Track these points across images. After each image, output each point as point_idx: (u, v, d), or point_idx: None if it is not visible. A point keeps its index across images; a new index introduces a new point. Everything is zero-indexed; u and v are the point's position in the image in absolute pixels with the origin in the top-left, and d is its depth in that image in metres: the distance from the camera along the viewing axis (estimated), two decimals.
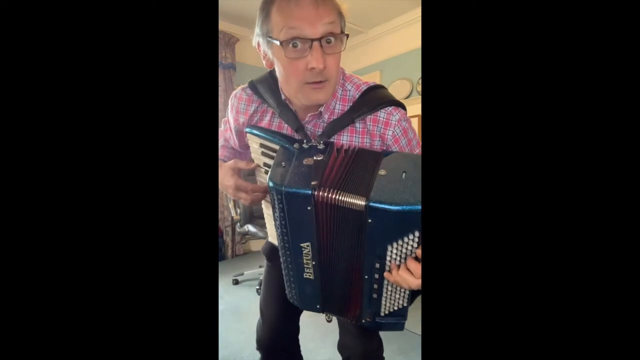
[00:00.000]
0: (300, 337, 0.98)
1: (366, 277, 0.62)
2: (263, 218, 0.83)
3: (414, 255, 0.57)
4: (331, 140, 0.68)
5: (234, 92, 0.79)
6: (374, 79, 2.98)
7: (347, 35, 0.62)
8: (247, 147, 0.75)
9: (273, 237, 0.72)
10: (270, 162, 0.68)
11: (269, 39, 0.61)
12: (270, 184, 0.59)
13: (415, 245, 0.56)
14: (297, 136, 0.70)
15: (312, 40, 0.58)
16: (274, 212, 0.63)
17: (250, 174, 0.78)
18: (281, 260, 0.69)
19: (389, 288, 0.63)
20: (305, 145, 0.65)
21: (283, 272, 0.71)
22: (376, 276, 0.61)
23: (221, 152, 0.89)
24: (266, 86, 0.73)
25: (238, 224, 2.23)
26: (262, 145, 0.70)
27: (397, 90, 2.97)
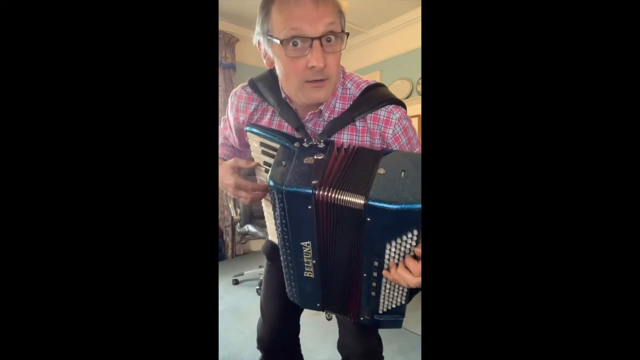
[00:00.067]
0: (300, 336, 0.98)
1: (365, 275, 0.62)
2: (263, 218, 0.83)
3: (412, 253, 0.57)
4: (331, 139, 0.68)
5: (234, 90, 0.79)
6: (374, 79, 2.97)
7: (348, 34, 0.62)
8: (247, 145, 0.75)
9: (273, 236, 0.72)
10: (271, 160, 0.68)
11: (270, 38, 0.61)
12: (271, 183, 0.59)
13: (414, 243, 0.56)
14: (297, 135, 0.70)
15: (313, 39, 0.58)
16: (274, 211, 0.63)
17: (250, 173, 0.78)
18: (281, 258, 0.69)
19: (387, 286, 0.63)
20: (305, 144, 0.65)
21: (283, 271, 0.71)
22: (375, 274, 0.61)
23: (221, 151, 0.89)
24: (266, 85, 0.73)
25: (238, 224, 2.23)
26: (262, 144, 0.70)
27: (397, 90, 2.97)
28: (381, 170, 0.59)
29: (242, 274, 2.50)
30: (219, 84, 2.95)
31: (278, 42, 0.59)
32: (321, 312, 0.74)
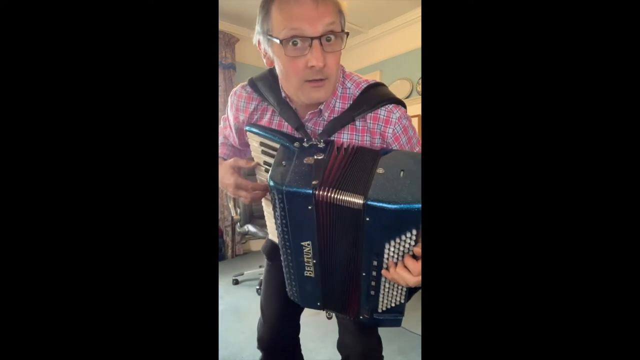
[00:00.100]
0: (300, 336, 0.98)
1: (364, 274, 0.62)
2: (263, 218, 0.83)
3: (411, 253, 0.57)
4: (331, 138, 0.68)
5: (234, 90, 0.79)
6: (373, 79, 2.97)
7: (347, 34, 0.62)
8: (247, 144, 0.75)
9: (273, 235, 0.72)
10: (271, 160, 0.68)
11: (269, 37, 0.61)
12: (271, 183, 0.59)
13: (413, 243, 0.56)
14: (297, 134, 0.70)
15: (312, 38, 0.58)
16: (274, 211, 0.63)
17: (250, 173, 0.78)
18: (282, 258, 0.69)
19: (387, 285, 0.63)
20: (305, 144, 0.65)
21: (284, 270, 0.71)
22: (374, 273, 0.62)
23: (221, 150, 0.89)
24: (266, 84, 0.73)
25: (238, 223, 2.23)
26: (262, 144, 0.70)
27: (397, 90, 2.97)
28: (380, 170, 0.59)
29: (242, 274, 2.50)
30: (219, 84, 2.95)
31: (278, 41, 0.59)
32: (321, 311, 0.74)
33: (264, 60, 0.67)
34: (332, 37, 0.59)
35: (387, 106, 0.68)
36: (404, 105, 0.71)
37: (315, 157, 0.62)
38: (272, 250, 0.88)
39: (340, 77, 0.70)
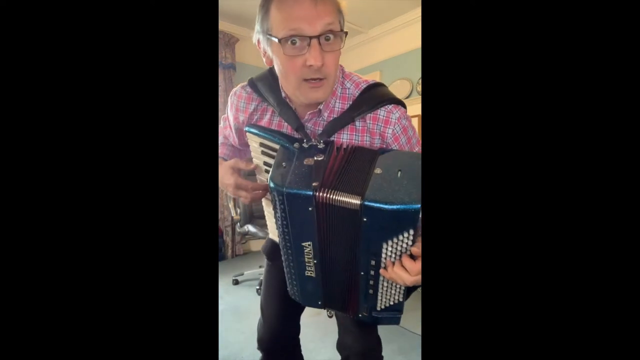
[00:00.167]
0: (300, 337, 0.98)
1: (362, 273, 0.63)
2: (263, 218, 0.83)
3: (408, 252, 0.57)
4: (331, 139, 0.68)
5: (234, 90, 0.79)
6: (373, 79, 2.97)
7: (346, 33, 0.62)
8: (247, 144, 0.75)
9: (274, 234, 0.72)
10: (270, 160, 0.68)
11: (269, 36, 0.61)
12: (272, 185, 0.59)
13: (410, 243, 0.56)
14: (297, 135, 0.70)
15: (311, 37, 0.58)
16: (275, 212, 0.63)
17: (250, 173, 0.78)
18: (283, 258, 0.69)
19: (385, 284, 0.63)
20: (305, 145, 0.65)
21: (285, 270, 0.71)
22: (372, 273, 0.62)
23: (221, 150, 0.89)
24: (266, 84, 0.73)
25: (238, 224, 2.23)
26: (262, 145, 0.70)
27: (397, 90, 2.97)
28: (378, 170, 0.59)
29: (242, 274, 2.50)
30: (219, 84, 2.95)
31: (276, 40, 0.59)
32: (321, 312, 0.74)
33: (264, 60, 0.67)
34: (331, 36, 0.59)
35: (386, 106, 0.68)
36: (404, 106, 0.71)
37: (315, 158, 0.62)
38: (272, 251, 0.88)
39: (340, 77, 0.70)
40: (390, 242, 0.57)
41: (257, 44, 0.66)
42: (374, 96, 0.69)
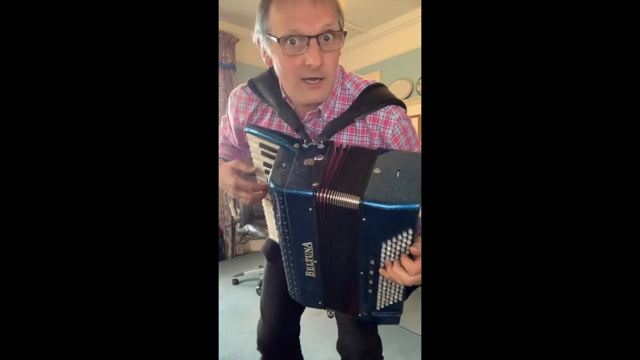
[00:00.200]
0: (300, 337, 0.98)
1: (361, 273, 0.63)
2: (263, 218, 0.83)
3: (407, 252, 0.57)
4: (331, 139, 0.68)
5: (234, 91, 0.79)
6: (373, 79, 2.97)
7: (345, 33, 0.62)
8: (247, 145, 0.75)
9: (274, 234, 0.72)
10: (270, 161, 0.68)
11: (268, 36, 0.61)
12: (272, 185, 0.59)
13: (409, 242, 0.57)
14: (297, 136, 0.70)
15: (309, 37, 0.58)
16: (275, 212, 0.63)
17: (250, 173, 0.79)
18: (283, 258, 0.69)
19: (384, 284, 0.63)
20: (305, 145, 0.65)
21: (285, 270, 0.71)
22: (371, 272, 0.62)
23: (221, 151, 0.89)
24: (266, 85, 0.73)
25: (238, 224, 2.23)
26: (261, 145, 0.70)
27: (397, 90, 2.97)
28: (377, 170, 0.59)
29: (242, 274, 2.50)
30: (219, 84, 2.95)
31: (276, 40, 0.59)
32: (321, 312, 0.74)
33: (264, 59, 0.68)
34: (330, 36, 0.59)
35: (386, 107, 0.68)
36: (404, 106, 0.71)
37: (315, 158, 0.62)
38: (272, 251, 0.88)
39: (340, 78, 0.70)
40: (389, 242, 0.57)
41: (257, 43, 0.67)
42: (374, 97, 0.69)
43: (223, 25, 2.93)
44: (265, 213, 0.78)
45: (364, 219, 0.56)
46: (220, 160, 0.81)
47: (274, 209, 0.63)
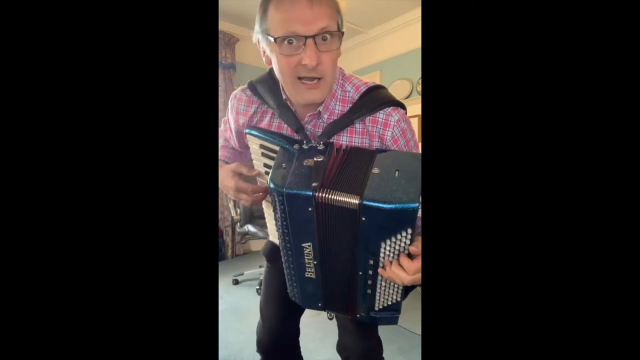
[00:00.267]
0: (300, 337, 0.98)
1: (360, 273, 0.63)
2: (263, 218, 0.83)
3: (406, 252, 0.58)
4: (331, 140, 0.69)
5: (234, 93, 0.79)
6: (374, 79, 2.98)
7: (343, 33, 0.62)
8: (247, 147, 0.75)
9: (274, 236, 0.72)
10: (270, 162, 0.68)
11: (267, 36, 0.61)
12: (272, 186, 0.60)
13: (408, 242, 0.57)
14: (297, 137, 0.70)
15: (306, 37, 0.58)
16: (275, 213, 0.63)
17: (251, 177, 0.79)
18: (283, 259, 0.69)
19: (383, 284, 0.63)
20: (305, 146, 0.65)
21: (285, 271, 0.71)
22: (370, 272, 0.62)
23: (221, 153, 0.89)
24: (266, 87, 0.73)
25: (238, 224, 2.23)
26: (262, 146, 0.70)
27: (397, 90, 2.97)
28: (376, 170, 0.59)
29: (242, 274, 2.50)
30: (219, 84, 2.95)
31: (273, 40, 0.59)
32: (321, 313, 0.74)
33: (263, 59, 0.68)
34: (328, 36, 0.59)
35: (385, 109, 0.68)
36: (403, 107, 0.71)
37: (315, 159, 0.62)
38: (272, 252, 0.88)
39: (340, 79, 0.70)
40: (388, 242, 0.57)
41: (257, 43, 0.67)
42: (374, 99, 0.69)
43: (223, 25, 2.93)
44: (266, 215, 0.79)
45: (363, 219, 0.56)
46: (221, 163, 0.82)
47: (274, 209, 0.63)
